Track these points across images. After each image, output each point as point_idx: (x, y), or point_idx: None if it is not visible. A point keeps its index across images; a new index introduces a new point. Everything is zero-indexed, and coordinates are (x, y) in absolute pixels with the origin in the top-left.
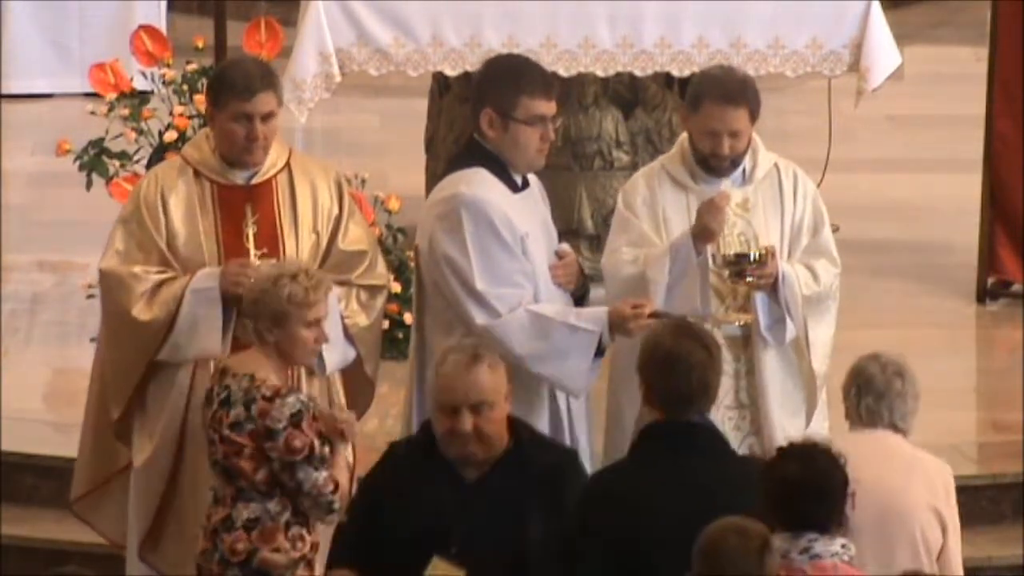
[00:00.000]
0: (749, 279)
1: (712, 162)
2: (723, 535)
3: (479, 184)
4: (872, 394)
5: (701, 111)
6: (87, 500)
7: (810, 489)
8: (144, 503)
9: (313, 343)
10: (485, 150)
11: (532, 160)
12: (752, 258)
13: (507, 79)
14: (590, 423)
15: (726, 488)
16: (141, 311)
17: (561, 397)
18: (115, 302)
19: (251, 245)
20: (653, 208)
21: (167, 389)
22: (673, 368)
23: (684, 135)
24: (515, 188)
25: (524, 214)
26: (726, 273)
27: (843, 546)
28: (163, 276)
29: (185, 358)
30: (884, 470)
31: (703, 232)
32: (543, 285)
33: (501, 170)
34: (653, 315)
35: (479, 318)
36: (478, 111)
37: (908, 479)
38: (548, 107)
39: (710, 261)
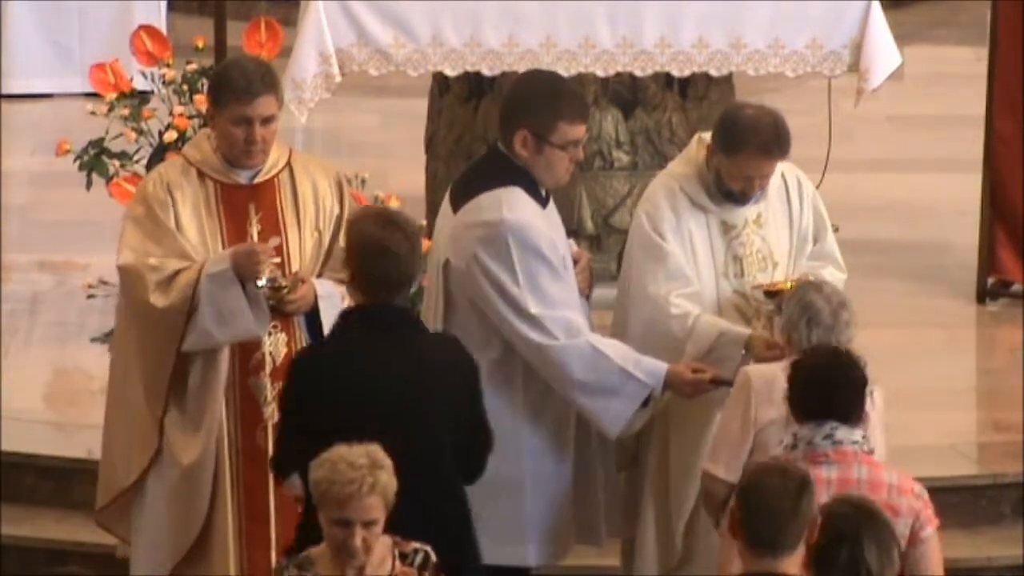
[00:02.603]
0: None
1: (739, 198)
2: (764, 473)
3: (521, 208)
4: (822, 326)
5: (738, 158)
6: (112, 508)
7: (833, 379)
8: (191, 507)
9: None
10: (514, 165)
11: (560, 179)
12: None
13: (546, 103)
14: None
15: (429, 363)
16: (158, 299)
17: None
18: (134, 294)
19: None
20: (680, 234)
21: (209, 380)
22: (383, 258)
23: (696, 154)
24: (543, 203)
25: (557, 230)
26: (769, 306)
27: (863, 437)
28: (181, 265)
29: (221, 343)
30: None
31: (762, 359)
32: (576, 297)
33: (532, 186)
34: (714, 380)
35: (535, 337)
36: (512, 130)
37: None
38: (582, 131)
39: (748, 290)
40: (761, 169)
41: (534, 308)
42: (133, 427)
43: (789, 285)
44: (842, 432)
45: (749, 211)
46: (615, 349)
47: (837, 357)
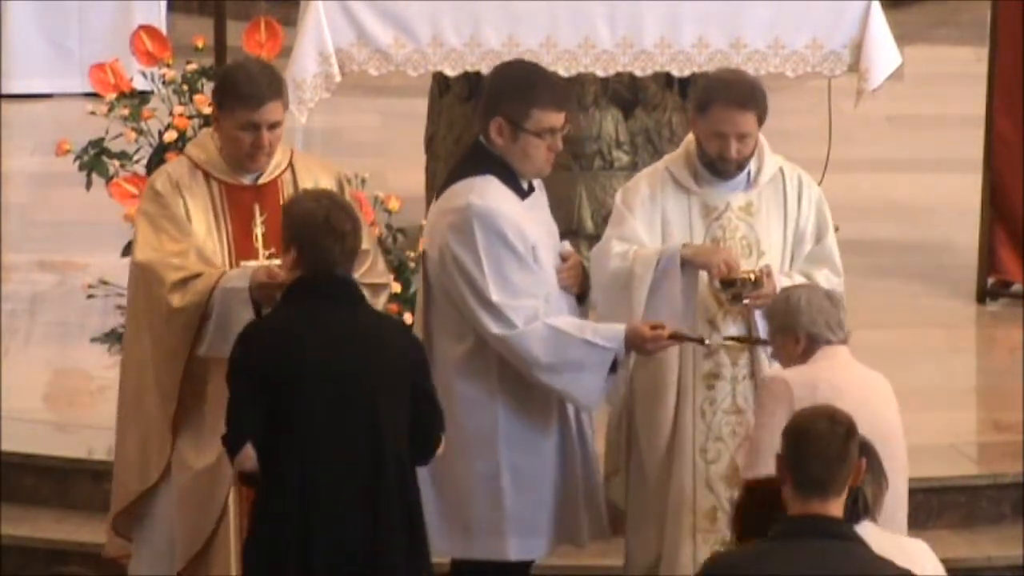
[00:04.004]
0: (746, 302)
1: (719, 165)
2: (813, 419)
3: (490, 194)
4: (823, 314)
5: (709, 114)
6: (127, 513)
7: None
8: (204, 511)
9: None
10: (493, 155)
11: (539, 169)
12: (751, 278)
13: (520, 89)
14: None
15: (363, 330)
16: (175, 297)
17: (570, 406)
18: (152, 291)
19: (260, 245)
20: (652, 210)
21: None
22: (327, 236)
23: (689, 138)
24: (523, 194)
25: (533, 221)
26: (725, 297)
27: None
28: (201, 268)
29: (224, 355)
30: (859, 397)
31: (700, 259)
32: (552, 291)
33: (509, 176)
34: (672, 336)
35: (495, 328)
36: (488, 118)
37: (878, 402)
38: (558, 119)
39: (708, 281)
40: (734, 123)
41: (495, 296)
42: (148, 429)
43: (748, 276)
44: None
45: (736, 197)
46: (571, 324)
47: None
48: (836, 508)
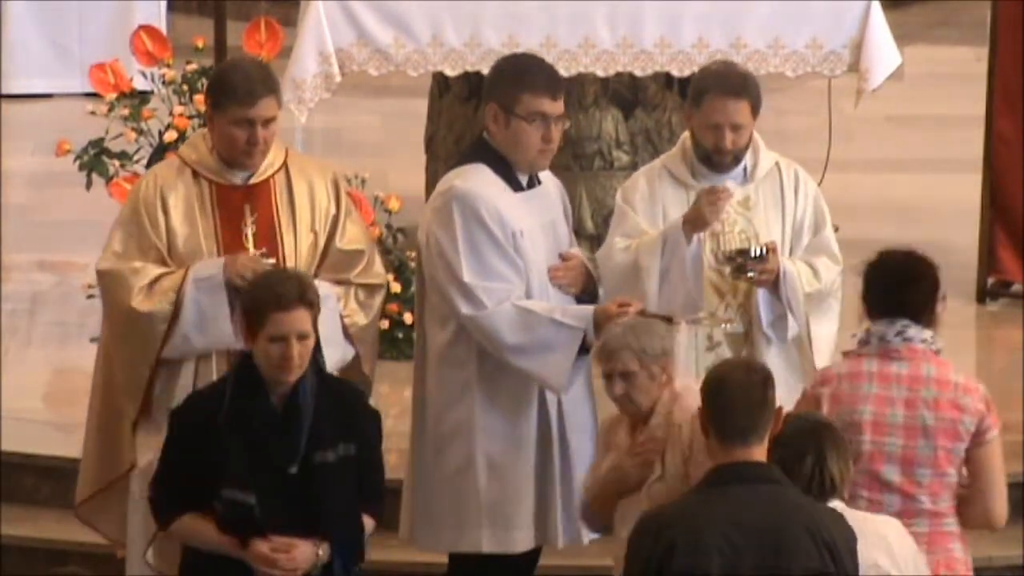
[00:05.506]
0: (750, 274)
1: (715, 157)
2: (730, 370)
3: (473, 179)
4: None
5: (703, 105)
6: (91, 504)
7: (907, 277)
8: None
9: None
10: (490, 147)
11: (534, 159)
12: (753, 254)
13: (513, 76)
14: (594, 428)
15: None
16: (141, 303)
17: (552, 403)
18: (115, 298)
19: (250, 245)
20: (652, 205)
21: (172, 387)
22: None
23: (685, 135)
24: (517, 187)
25: (522, 212)
26: (727, 269)
27: (932, 336)
28: (162, 270)
29: (197, 349)
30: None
31: (696, 219)
32: (536, 283)
33: (504, 168)
34: (640, 314)
35: (464, 308)
36: (484, 105)
37: None
38: (551, 106)
39: (711, 259)
40: (727, 113)
41: (467, 276)
42: (109, 429)
43: (752, 249)
44: (913, 330)
45: (735, 191)
46: (540, 305)
47: (911, 256)
48: (759, 454)
